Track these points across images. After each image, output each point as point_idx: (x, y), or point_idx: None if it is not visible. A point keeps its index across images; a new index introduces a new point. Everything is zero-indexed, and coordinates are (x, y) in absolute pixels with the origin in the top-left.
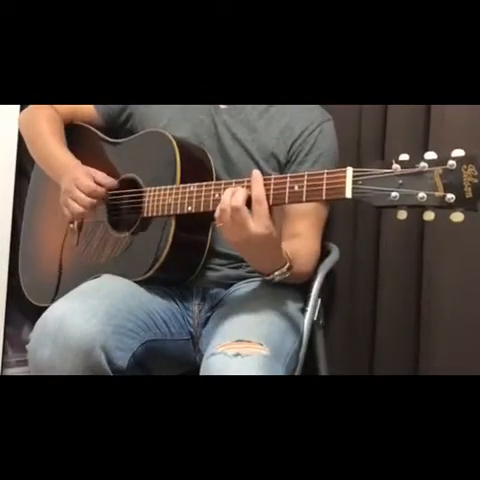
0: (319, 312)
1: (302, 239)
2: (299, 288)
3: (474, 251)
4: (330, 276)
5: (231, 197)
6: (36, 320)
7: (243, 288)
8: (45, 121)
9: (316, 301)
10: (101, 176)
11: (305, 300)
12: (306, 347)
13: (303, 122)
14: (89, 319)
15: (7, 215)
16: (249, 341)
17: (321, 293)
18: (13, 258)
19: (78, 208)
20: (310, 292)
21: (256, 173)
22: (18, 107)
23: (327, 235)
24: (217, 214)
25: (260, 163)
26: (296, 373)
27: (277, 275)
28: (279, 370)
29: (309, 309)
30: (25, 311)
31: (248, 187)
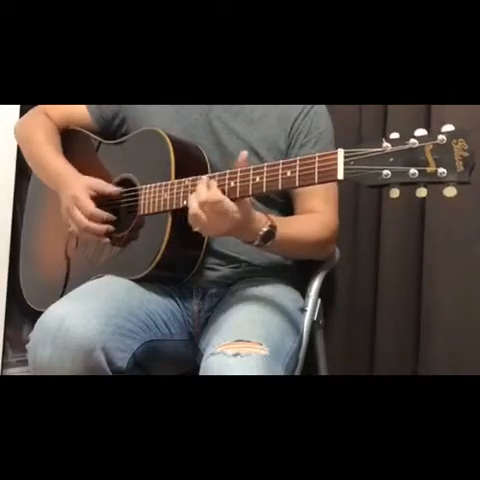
0: (319, 312)
1: (315, 213)
2: (299, 288)
3: (474, 251)
4: (330, 276)
5: (207, 192)
6: (36, 320)
7: (243, 288)
8: (40, 130)
9: (316, 301)
10: (100, 188)
11: (305, 300)
12: (306, 347)
13: (297, 106)
14: (90, 320)
15: (7, 215)
16: (248, 341)
17: (321, 293)
18: (13, 258)
19: (75, 229)
20: (310, 292)
21: (205, 179)
22: (18, 107)
23: None
24: (196, 210)
25: (261, 153)
26: (296, 373)
27: (260, 236)
28: (278, 370)
29: (309, 309)
30: (25, 311)
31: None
